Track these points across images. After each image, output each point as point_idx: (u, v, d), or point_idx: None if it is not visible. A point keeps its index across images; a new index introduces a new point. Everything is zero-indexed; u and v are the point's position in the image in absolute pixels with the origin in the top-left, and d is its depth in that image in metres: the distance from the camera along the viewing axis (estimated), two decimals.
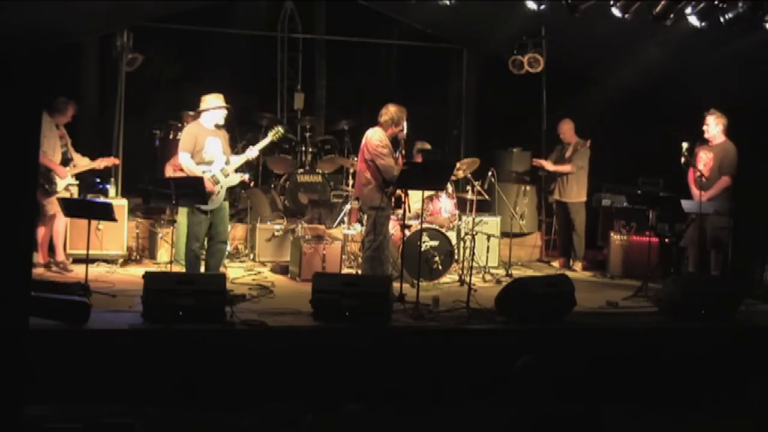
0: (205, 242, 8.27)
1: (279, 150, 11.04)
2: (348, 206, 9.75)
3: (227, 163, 8.20)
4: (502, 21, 10.07)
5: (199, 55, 12.07)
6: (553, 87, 11.25)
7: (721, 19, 8.12)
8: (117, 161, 9.62)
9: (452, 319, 7.37)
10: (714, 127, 9.01)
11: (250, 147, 8.44)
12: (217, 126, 8.28)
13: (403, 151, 8.29)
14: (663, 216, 9.67)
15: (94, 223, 8.40)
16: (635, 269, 9.61)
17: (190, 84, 8.75)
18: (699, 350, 7.26)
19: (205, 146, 8.14)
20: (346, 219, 9.84)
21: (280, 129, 8.60)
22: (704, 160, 9.01)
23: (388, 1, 10.86)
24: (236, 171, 8.33)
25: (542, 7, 8.69)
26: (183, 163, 8.14)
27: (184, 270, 8.16)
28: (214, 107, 8.21)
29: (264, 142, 8.49)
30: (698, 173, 8.86)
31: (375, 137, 8.14)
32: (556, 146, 10.59)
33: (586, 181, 10.32)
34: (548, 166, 10.51)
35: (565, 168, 10.26)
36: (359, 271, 8.91)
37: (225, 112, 8.32)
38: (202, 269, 8.22)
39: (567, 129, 10.38)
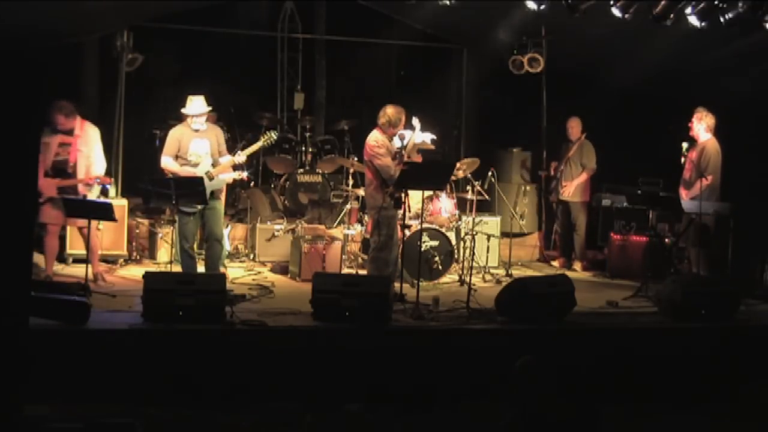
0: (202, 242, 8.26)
1: (279, 150, 11.04)
2: (348, 206, 9.75)
3: (214, 165, 8.15)
4: (502, 21, 10.07)
5: (199, 55, 12.04)
6: (553, 87, 11.24)
7: (721, 19, 8.12)
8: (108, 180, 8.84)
9: (452, 319, 7.38)
10: (696, 125, 9.01)
11: (239, 152, 8.35)
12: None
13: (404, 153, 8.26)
14: (663, 216, 9.67)
15: (94, 223, 8.38)
16: (635, 269, 9.59)
17: (190, 84, 8.71)
18: (699, 350, 7.27)
19: (189, 149, 8.08)
20: (346, 219, 9.84)
21: (273, 135, 8.56)
22: (690, 159, 9.02)
23: (388, 1, 10.85)
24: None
25: (542, 7, 8.69)
26: (165, 166, 8.07)
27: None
28: (194, 114, 8.10)
29: (253, 148, 8.44)
30: (685, 172, 8.94)
31: (372, 138, 8.16)
32: (562, 145, 10.56)
33: (588, 181, 10.31)
34: (566, 190, 10.31)
35: (582, 179, 10.20)
36: (359, 271, 8.92)
37: (204, 118, 8.18)
38: (201, 268, 8.22)
39: (574, 125, 10.34)
